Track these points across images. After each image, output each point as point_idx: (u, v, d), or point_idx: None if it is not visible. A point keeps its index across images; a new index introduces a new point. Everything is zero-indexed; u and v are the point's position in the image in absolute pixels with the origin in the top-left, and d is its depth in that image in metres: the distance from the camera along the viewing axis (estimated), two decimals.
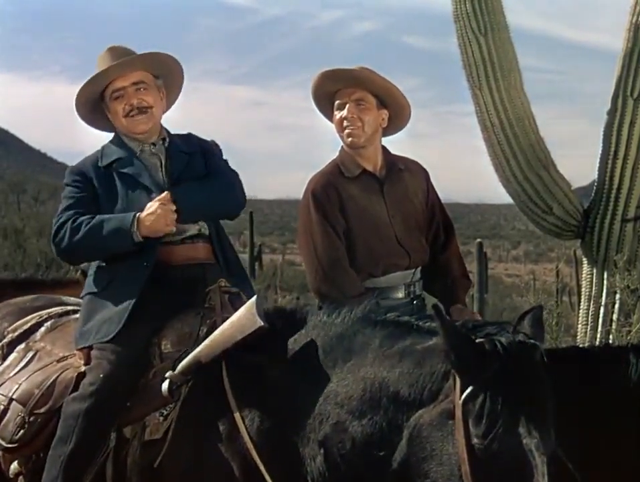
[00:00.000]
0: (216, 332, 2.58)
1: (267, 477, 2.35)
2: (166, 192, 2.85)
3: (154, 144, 3.05)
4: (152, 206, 2.81)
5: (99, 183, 2.96)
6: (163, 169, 3.01)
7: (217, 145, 3.17)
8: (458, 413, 2.02)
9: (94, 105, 3.09)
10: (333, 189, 3.35)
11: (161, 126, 3.12)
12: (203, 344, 2.57)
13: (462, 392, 2.03)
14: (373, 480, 2.19)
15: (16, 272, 9.45)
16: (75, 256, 3.00)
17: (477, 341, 2.08)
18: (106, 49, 3.07)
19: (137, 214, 2.81)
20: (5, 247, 12.72)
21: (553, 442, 2.05)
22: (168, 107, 3.19)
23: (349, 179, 3.39)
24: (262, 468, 2.35)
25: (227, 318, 2.61)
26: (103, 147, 3.08)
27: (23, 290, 3.52)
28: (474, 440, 1.98)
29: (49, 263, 11.40)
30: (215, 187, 2.99)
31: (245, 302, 2.62)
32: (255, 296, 2.61)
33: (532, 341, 2.11)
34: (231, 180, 3.07)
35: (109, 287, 2.87)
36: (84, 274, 3.62)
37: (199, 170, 3.04)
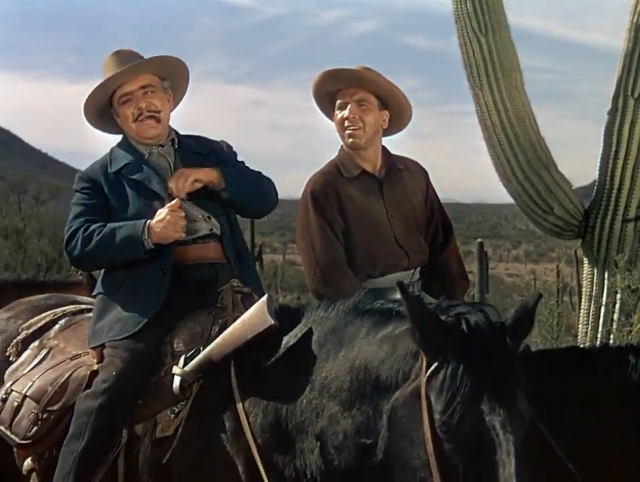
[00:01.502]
0: (227, 331, 2.60)
1: (263, 475, 2.36)
2: (176, 199, 2.85)
3: (162, 145, 3.06)
4: (161, 213, 2.82)
5: (109, 190, 2.97)
6: (172, 171, 3.01)
7: (230, 146, 3.19)
8: (423, 390, 2.02)
9: (101, 110, 3.10)
10: (331, 189, 3.35)
11: (169, 127, 3.13)
12: (215, 343, 2.59)
13: (427, 369, 2.03)
14: (364, 469, 2.20)
15: (17, 272, 9.46)
16: (87, 264, 3.04)
17: (443, 318, 2.08)
18: (112, 53, 3.08)
19: (147, 221, 2.82)
20: (6, 247, 12.74)
21: (525, 420, 2.03)
22: (173, 107, 3.20)
23: (348, 179, 3.38)
24: (260, 465, 2.37)
25: (239, 317, 2.63)
26: (111, 151, 3.08)
27: (26, 291, 3.53)
28: (436, 416, 1.98)
29: (49, 263, 11.42)
30: (258, 178, 3.07)
31: (256, 302, 2.64)
32: (266, 296, 2.63)
33: (501, 321, 2.09)
34: (267, 179, 3.12)
35: (122, 288, 2.88)
36: (90, 276, 3.62)
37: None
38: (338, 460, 2.25)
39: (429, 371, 2.03)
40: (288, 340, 2.52)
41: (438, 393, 1.99)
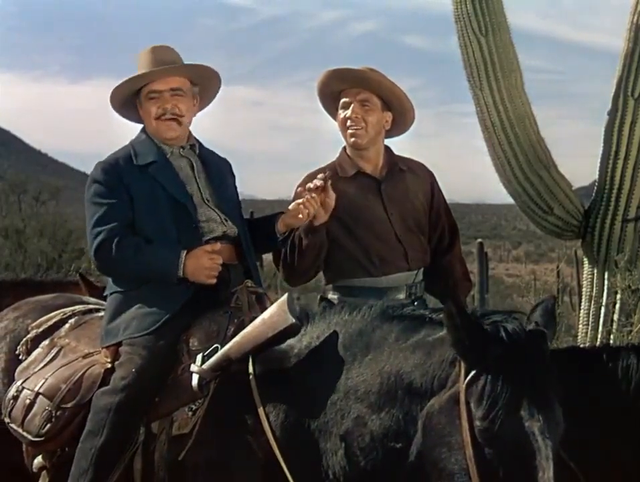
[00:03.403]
0: (247, 329, 2.61)
1: (288, 474, 2.37)
2: (219, 244, 2.89)
3: (182, 147, 3.09)
4: (200, 256, 2.83)
5: (133, 183, 2.95)
6: (196, 175, 3.05)
7: (231, 166, 3.27)
8: (462, 397, 2.05)
9: (127, 98, 3.12)
10: None
11: (190, 132, 3.17)
12: (234, 341, 2.60)
13: (466, 376, 2.07)
14: (391, 472, 2.23)
15: (17, 272, 9.45)
16: (114, 276, 3.01)
17: (482, 326, 2.11)
18: (149, 49, 3.09)
19: (183, 258, 2.82)
20: (6, 247, 12.71)
21: (561, 427, 2.07)
22: (197, 111, 3.24)
23: (343, 178, 3.40)
24: (282, 464, 2.38)
25: (255, 317, 2.64)
26: (133, 144, 3.08)
27: (24, 291, 3.53)
28: (476, 423, 2.01)
29: (49, 263, 11.39)
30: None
31: (271, 302, 2.67)
32: (287, 294, 2.64)
33: (539, 329, 2.14)
34: None
35: (143, 287, 2.88)
36: (82, 276, 3.62)
37: (231, 193, 3.17)
38: (364, 462, 2.27)
39: (468, 378, 2.06)
40: (310, 341, 2.53)
41: (478, 399, 2.02)
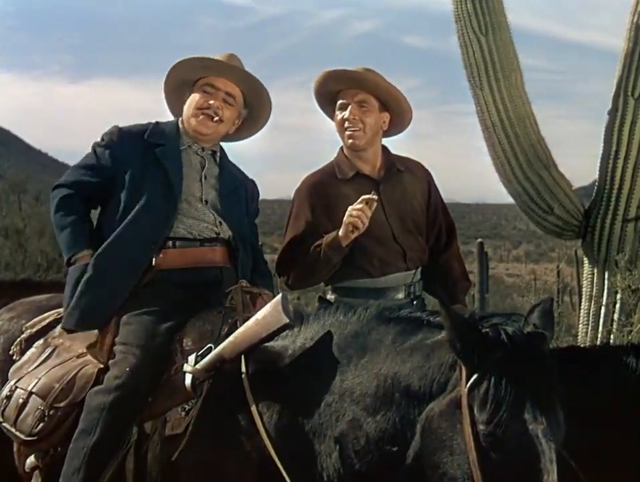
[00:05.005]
0: (240, 329, 2.59)
1: (285, 474, 2.35)
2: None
3: (203, 149, 3.12)
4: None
5: (132, 154, 3.00)
6: (203, 175, 3.07)
7: (255, 186, 3.30)
8: (464, 401, 2.03)
9: (182, 83, 3.16)
10: (322, 187, 3.38)
11: (218, 143, 3.20)
12: (227, 341, 2.59)
13: (467, 380, 2.05)
14: (386, 476, 2.21)
15: (16, 272, 9.44)
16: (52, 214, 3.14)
17: (482, 329, 2.09)
18: (229, 53, 3.15)
19: (78, 257, 2.94)
20: (6, 247, 12.71)
21: (562, 429, 2.06)
22: (233, 138, 3.29)
23: (342, 180, 3.40)
24: (279, 464, 2.36)
25: (249, 317, 2.62)
26: (157, 123, 3.13)
27: (22, 291, 3.52)
28: (480, 427, 1.99)
29: (50, 263, 11.40)
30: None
31: (267, 302, 2.65)
32: (280, 294, 2.62)
33: (538, 330, 2.13)
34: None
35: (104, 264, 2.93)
36: None
37: (241, 206, 3.17)
38: (359, 465, 2.25)
39: (470, 382, 2.04)
40: (304, 341, 2.51)
41: (481, 403, 2.00)
